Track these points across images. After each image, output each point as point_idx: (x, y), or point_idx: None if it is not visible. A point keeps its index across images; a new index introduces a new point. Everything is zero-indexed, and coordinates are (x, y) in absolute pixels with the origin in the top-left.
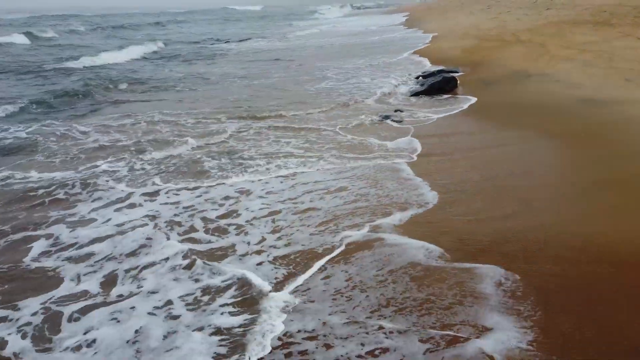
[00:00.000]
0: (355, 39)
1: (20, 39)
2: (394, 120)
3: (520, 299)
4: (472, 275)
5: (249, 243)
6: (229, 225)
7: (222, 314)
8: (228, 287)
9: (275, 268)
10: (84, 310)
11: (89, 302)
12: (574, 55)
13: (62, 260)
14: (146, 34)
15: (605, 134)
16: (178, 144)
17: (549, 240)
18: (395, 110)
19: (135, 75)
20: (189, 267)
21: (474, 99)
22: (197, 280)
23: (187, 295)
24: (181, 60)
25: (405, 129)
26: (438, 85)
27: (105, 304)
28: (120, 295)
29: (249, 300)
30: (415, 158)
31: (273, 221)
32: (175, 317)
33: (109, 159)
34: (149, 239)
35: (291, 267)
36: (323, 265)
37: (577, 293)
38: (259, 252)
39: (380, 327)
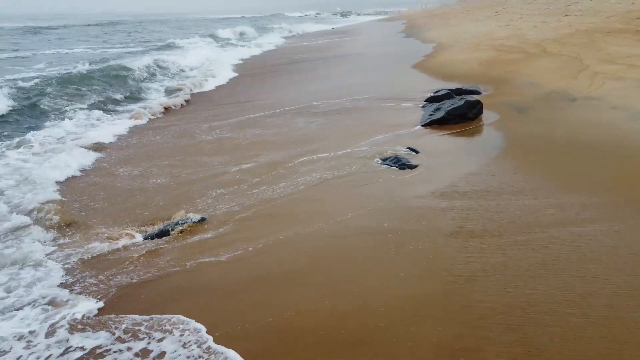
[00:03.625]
0: (349, 47)
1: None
2: (401, 166)
3: None
4: None
5: None
6: None
7: None
8: None
9: None
10: None
11: None
12: (623, 72)
13: None
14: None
15: None
16: None
17: None
18: (407, 148)
19: None
20: None
21: (508, 133)
22: None
23: None
24: None
25: (418, 182)
26: (459, 111)
27: None
28: None
29: None
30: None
31: None
32: None
33: None
34: None
35: None
36: None
37: None
38: None
39: None
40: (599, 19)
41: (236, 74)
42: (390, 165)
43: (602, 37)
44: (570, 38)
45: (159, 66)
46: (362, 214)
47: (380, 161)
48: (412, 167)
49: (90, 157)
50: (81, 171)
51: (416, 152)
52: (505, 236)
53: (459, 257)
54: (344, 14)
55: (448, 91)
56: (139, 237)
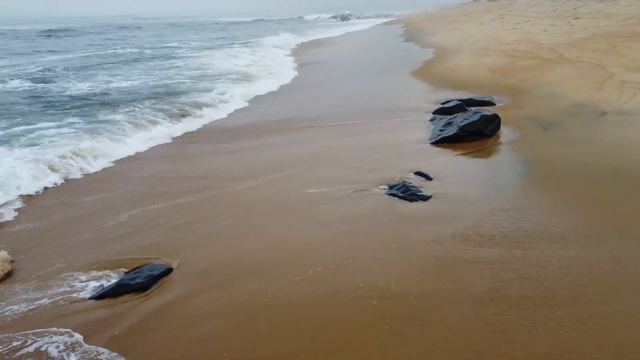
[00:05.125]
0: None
1: None
2: (411, 196)
3: None
4: None
5: None
6: None
7: None
8: None
9: None
10: None
11: None
12: None
13: None
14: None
15: None
16: None
17: None
18: (416, 173)
19: None
20: None
21: (534, 155)
22: None
23: None
24: None
25: (434, 220)
26: (474, 126)
27: None
28: None
29: None
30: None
31: None
32: None
33: None
34: None
35: None
36: None
37: None
38: None
39: None
40: (614, 22)
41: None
42: (398, 196)
43: (623, 42)
44: (587, 43)
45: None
46: (356, 266)
47: (385, 190)
48: (425, 198)
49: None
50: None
51: (428, 178)
52: (555, 307)
53: (494, 341)
54: (344, 18)
55: (459, 102)
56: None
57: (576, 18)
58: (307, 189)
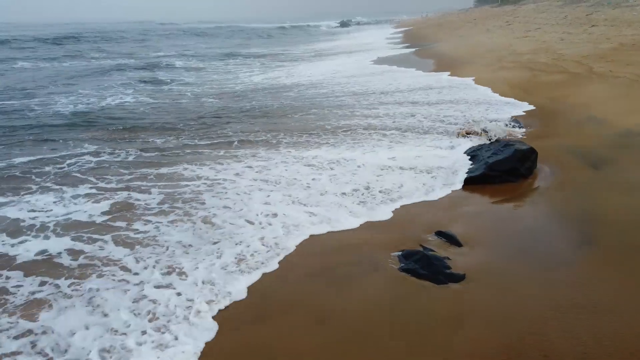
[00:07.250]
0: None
1: None
2: (435, 275)
3: None
4: None
5: None
6: None
7: None
8: None
9: None
10: None
11: None
12: None
13: None
14: None
15: None
16: None
17: None
18: (436, 234)
19: None
20: None
21: (590, 208)
22: None
23: None
24: None
25: (471, 320)
26: (507, 164)
27: None
28: None
29: None
30: None
31: None
32: None
33: None
34: None
35: None
36: None
37: None
38: None
39: None
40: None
41: None
42: (418, 273)
43: None
44: (617, 54)
45: None
46: None
47: (398, 261)
48: (456, 278)
49: None
50: None
51: (456, 242)
52: None
53: None
54: (344, 24)
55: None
56: None
57: (592, 25)
58: (276, 258)
